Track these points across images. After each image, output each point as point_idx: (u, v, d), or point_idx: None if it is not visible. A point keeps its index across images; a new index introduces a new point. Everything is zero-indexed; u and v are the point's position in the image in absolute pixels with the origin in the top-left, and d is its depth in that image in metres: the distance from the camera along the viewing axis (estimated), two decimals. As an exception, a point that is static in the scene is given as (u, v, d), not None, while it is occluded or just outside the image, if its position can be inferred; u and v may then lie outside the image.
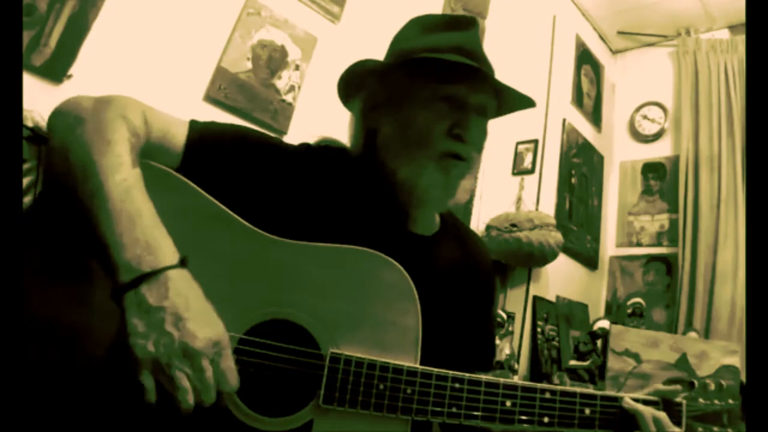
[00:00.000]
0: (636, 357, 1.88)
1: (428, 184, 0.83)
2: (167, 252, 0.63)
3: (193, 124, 0.80)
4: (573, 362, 2.36)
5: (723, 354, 1.81)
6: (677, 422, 0.86)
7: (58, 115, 0.72)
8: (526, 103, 0.90)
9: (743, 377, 1.77)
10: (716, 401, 0.89)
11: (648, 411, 0.82)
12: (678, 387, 0.87)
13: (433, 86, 0.84)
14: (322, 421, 0.70)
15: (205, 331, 0.60)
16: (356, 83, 0.92)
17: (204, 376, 0.60)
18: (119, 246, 0.60)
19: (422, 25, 0.90)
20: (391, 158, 0.86)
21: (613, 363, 1.90)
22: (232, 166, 0.80)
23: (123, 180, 0.64)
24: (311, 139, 0.95)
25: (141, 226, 0.62)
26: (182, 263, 0.63)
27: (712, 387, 0.91)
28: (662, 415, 0.83)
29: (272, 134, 0.93)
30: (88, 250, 0.64)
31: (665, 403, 0.86)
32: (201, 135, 0.79)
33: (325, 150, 0.92)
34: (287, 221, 0.77)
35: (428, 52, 0.83)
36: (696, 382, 0.91)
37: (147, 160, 0.71)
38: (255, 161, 0.82)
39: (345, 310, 0.73)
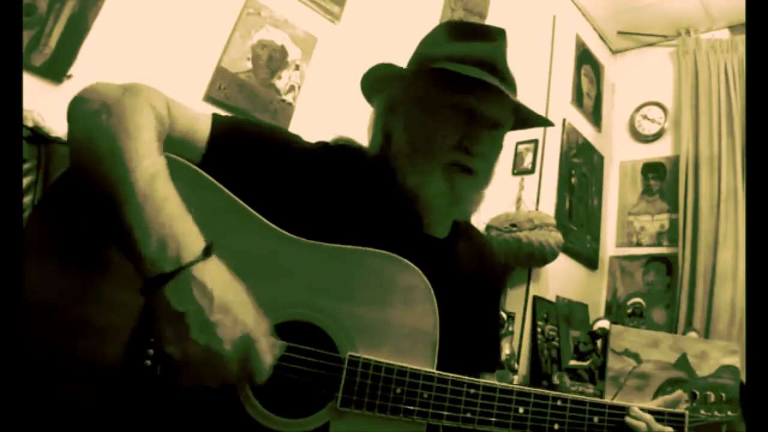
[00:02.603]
0: (636, 357, 1.88)
1: (434, 193, 0.84)
2: (192, 243, 0.61)
3: (217, 119, 0.80)
4: (573, 362, 2.35)
5: (723, 354, 1.81)
6: None
7: (80, 102, 0.69)
8: (544, 121, 0.91)
9: (743, 377, 1.77)
10: (717, 413, 0.91)
11: (653, 423, 0.83)
12: (682, 395, 0.88)
13: (447, 96, 0.83)
14: (338, 423, 0.70)
15: (233, 331, 0.60)
16: (379, 84, 0.93)
17: (233, 376, 0.60)
18: (145, 235, 0.60)
19: (449, 31, 0.89)
20: (402, 164, 0.87)
21: (613, 363, 1.90)
22: (254, 163, 0.80)
23: (150, 166, 0.63)
24: (328, 138, 0.95)
25: (166, 214, 0.61)
26: (206, 252, 0.62)
27: (713, 399, 0.92)
28: (668, 431, 0.84)
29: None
30: (109, 237, 0.63)
31: (669, 413, 0.87)
32: (224, 131, 0.79)
33: (343, 150, 0.92)
34: (305, 219, 0.77)
35: (449, 61, 0.82)
36: (698, 393, 0.93)
37: (170, 154, 0.70)
38: (275, 159, 0.82)
39: (364, 313, 0.73)
